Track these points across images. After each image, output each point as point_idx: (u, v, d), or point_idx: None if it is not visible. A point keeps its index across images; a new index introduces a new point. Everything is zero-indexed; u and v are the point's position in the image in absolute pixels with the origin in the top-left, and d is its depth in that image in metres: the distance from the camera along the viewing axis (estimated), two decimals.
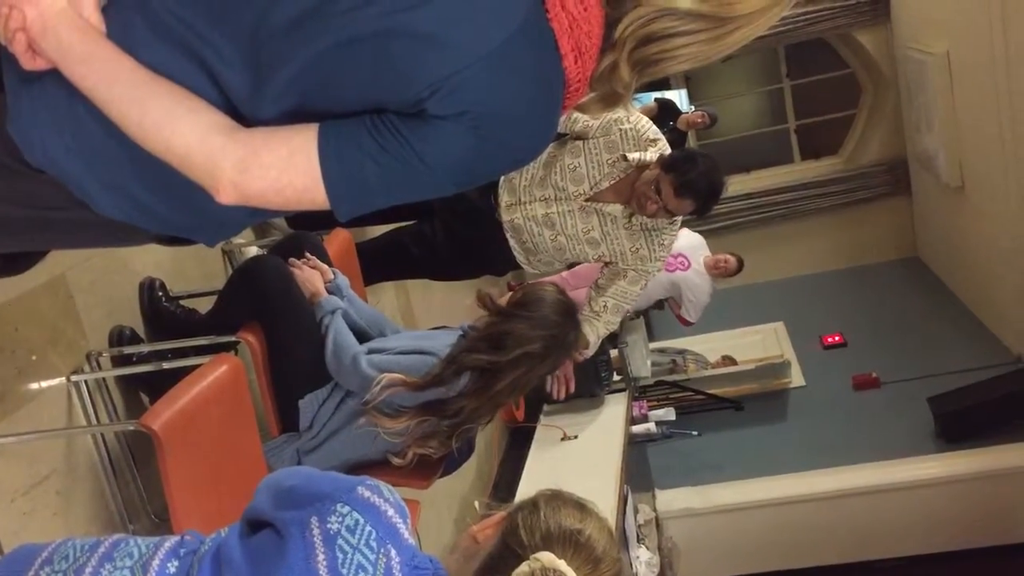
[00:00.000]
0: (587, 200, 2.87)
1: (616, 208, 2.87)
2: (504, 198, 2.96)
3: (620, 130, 2.90)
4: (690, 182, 2.75)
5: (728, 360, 6.77)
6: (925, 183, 7.53)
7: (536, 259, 3.05)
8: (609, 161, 2.88)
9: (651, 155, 2.88)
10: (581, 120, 2.89)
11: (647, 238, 2.91)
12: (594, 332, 2.98)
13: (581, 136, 2.92)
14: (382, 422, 2.15)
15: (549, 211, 2.91)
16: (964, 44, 6.10)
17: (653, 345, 6.59)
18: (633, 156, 2.86)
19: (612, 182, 2.88)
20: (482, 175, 1.13)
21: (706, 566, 5.58)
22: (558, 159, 2.92)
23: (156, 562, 1.16)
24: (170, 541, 1.21)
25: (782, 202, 8.01)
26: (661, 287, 5.07)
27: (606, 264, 3.00)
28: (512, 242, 3.00)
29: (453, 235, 3.04)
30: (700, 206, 2.84)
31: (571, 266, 4.58)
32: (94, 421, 2.35)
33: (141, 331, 2.56)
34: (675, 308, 5.28)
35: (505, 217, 2.96)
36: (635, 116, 2.96)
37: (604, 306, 2.98)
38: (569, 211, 2.89)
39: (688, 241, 4.98)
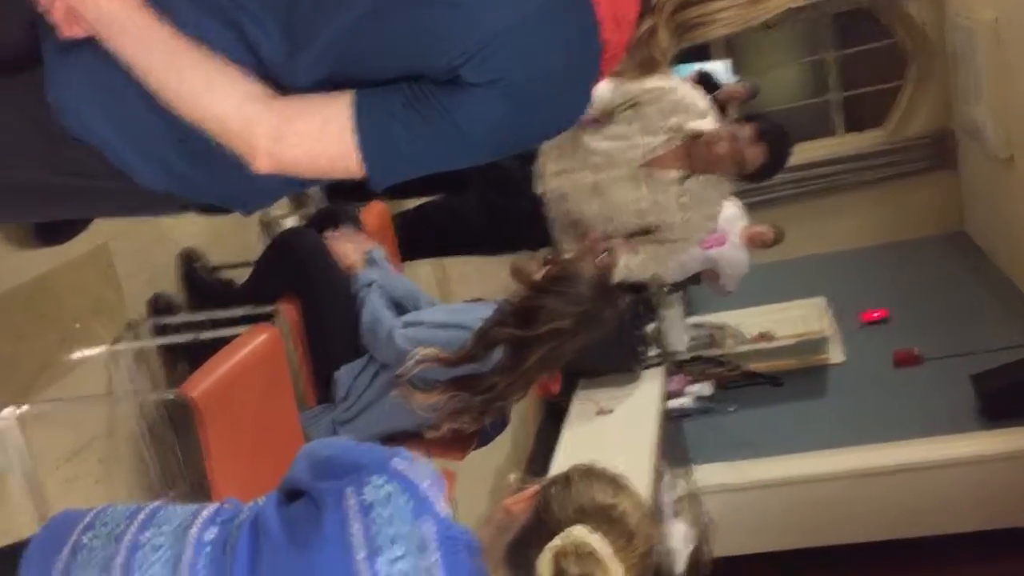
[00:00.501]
0: (640, 166, 2.85)
1: (670, 174, 2.84)
2: (550, 167, 2.94)
3: (673, 100, 2.89)
4: (769, 130, 2.84)
5: (766, 335, 6.71)
6: (972, 155, 7.37)
7: (577, 233, 3.01)
8: (664, 128, 2.86)
9: (706, 125, 2.87)
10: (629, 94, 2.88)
11: (696, 209, 2.89)
12: (623, 258, 2.92)
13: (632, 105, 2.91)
14: (414, 396, 2.15)
15: (598, 178, 2.88)
16: (1014, 11, 5.94)
17: (691, 320, 6.54)
18: (691, 125, 2.85)
19: (666, 150, 2.85)
20: (517, 143, 1.12)
21: (741, 541, 5.55)
22: (608, 126, 2.90)
23: (195, 529, 1.17)
24: (208, 509, 1.22)
25: (824, 175, 7.88)
26: (697, 262, 5.01)
27: (648, 231, 2.97)
28: (554, 213, 2.97)
29: (488, 208, 3.02)
30: (770, 160, 2.85)
31: None
32: (135, 389, 2.38)
33: (180, 298, 2.58)
34: (713, 279, 5.22)
35: (552, 184, 2.93)
36: (688, 87, 2.98)
37: (636, 251, 2.95)
38: (619, 178, 2.86)
39: (726, 212, 4.89)
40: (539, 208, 2.97)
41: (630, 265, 2.94)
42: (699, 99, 2.93)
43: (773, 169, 2.91)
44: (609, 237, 2.84)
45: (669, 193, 2.85)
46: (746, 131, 2.81)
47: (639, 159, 2.85)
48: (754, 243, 5.03)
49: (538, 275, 2.23)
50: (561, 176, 2.92)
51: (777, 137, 2.87)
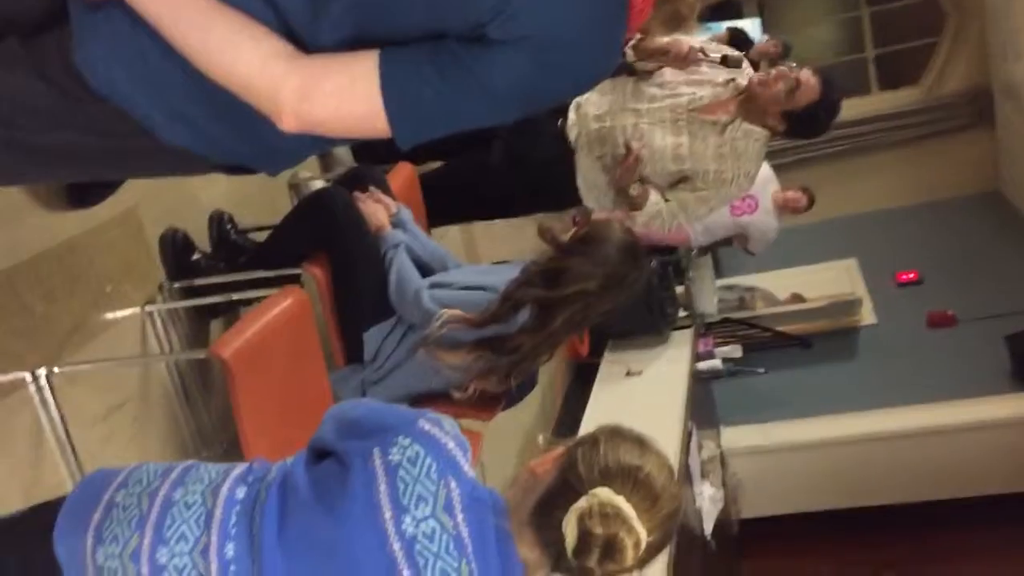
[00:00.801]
0: (689, 111, 2.86)
1: (713, 119, 2.86)
2: (591, 110, 2.93)
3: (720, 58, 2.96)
4: (829, 75, 2.87)
5: (797, 297, 6.66)
6: (1010, 114, 7.22)
7: (607, 181, 2.98)
8: (711, 82, 2.89)
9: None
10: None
11: (733, 162, 2.88)
12: (654, 195, 2.93)
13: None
14: (441, 356, 2.16)
15: (640, 122, 2.88)
16: None
17: (721, 282, 6.51)
18: (739, 80, 2.88)
19: (712, 101, 2.87)
20: (543, 100, 1.11)
21: (770, 503, 5.57)
22: (655, 77, 2.92)
23: (225, 488, 1.19)
24: (239, 468, 1.24)
25: (858, 134, 7.76)
26: (726, 228, 4.97)
27: (683, 179, 2.96)
28: (586, 158, 2.94)
29: (515, 161, 2.99)
30: (822, 100, 2.84)
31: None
32: (167, 350, 2.41)
33: (195, 239, 2.58)
34: (742, 243, 5.19)
35: (592, 127, 2.92)
36: (729, 49, 3.02)
37: (664, 199, 2.94)
38: (660, 121, 2.87)
39: (759, 176, 4.82)
40: (568, 163, 2.95)
41: (660, 207, 2.92)
42: (744, 60, 2.96)
43: (825, 116, 2.90)
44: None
45: (709, 142, 2.85)
46: (805, 67, 2.83)
47: (684, 106, 2.86)
48: (787, 209, 4.97)
49: (565, 236, 2.21)
50: (602, 119, 2.92)
51: (834, 84, 2.88)
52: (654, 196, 2.89)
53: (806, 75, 2.82)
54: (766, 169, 5.07)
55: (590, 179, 2.98)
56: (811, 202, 5.01)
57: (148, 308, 2.37)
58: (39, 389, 1.96)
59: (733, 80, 2.89)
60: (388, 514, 1.10)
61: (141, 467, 1.25)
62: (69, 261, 2.16)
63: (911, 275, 6.70)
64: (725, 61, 2.90)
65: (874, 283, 6.74)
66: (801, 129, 2.94)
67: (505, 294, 2.15)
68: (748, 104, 2.86)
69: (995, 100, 7.52)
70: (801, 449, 5.50)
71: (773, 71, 2.82)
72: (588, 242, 2.15)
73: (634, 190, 2.83)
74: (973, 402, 5.35)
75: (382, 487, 1.11)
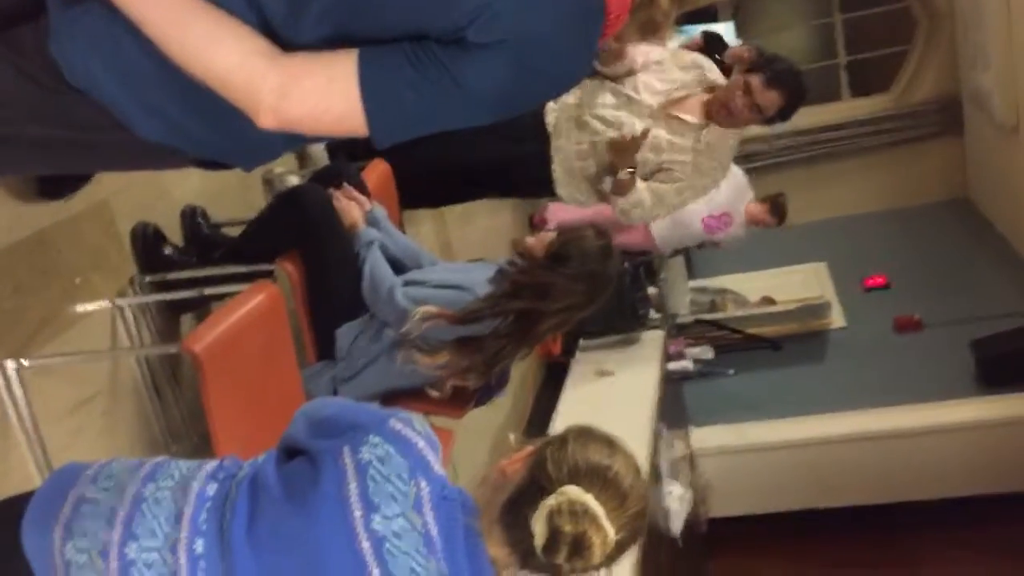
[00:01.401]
0: (661, 107, 2.91)
1: (689, 119, 2.92)
2: (570, 99, 2.96)
3: (691, 59, 3.06)
4: (780, 74, 2.87)
5: (768, 300, 6.71)
6: (978, 122, 7.31)
7: (582, 167, 2.98)
8: (683, 81, 2.96)
9: (720, 78, 2.99)
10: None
11: (708, 157, 2.93)
12: (640, 182, 2.93)
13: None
14: (420, 359, 2.17)
15: (619, 113, 2.92)
16: None
17: (693, 284, 6.55)
18: (711, 76, 2.96)
19: (685, 96, 2.94)
20: (520, 104, 1.12)
21: (738, 503, 5.61)
22: (627, 83, 2.97)
23: (196, 484, 1.19)
24: (209, 465, 1.24)
25: (829, 140, 7.83)
26: (697, 240, 5.00)
27: (659, 171, 2.99)
28: (567, 144, 2.95)
29: (492, 149, 2.97)
30: (788, 100, 2.89)
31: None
32: (138, 344, 2.40)
33: (167, 233, 2.56)
34: (712, 245, 5.22)
35: (572, 114, 2.95)
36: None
37: (645, 188, 2.96)
38: (640, 114, 2.92)
39: (734, 186, 4.81)
40: (544, 151, 2.96)
41: (644, 195, 2.93)
42: (709, 62, 3.05)
43: (790, 110, 2.95)
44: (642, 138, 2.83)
45: (686, 136, 2.91)
46: (755, 81, 2.85)
47: (661, 103, 2.93)
48: (757, 224, 5.00)
49: (538, 244, 2.24)
50: (582, 107, 2.95)
51: (789, 78, 2.90)
52: (640, 183, 2.92)
53: (760, 89, 2.85)
54: (742, 178, 5.10)
55: (567, 166, 2.99)
56: (783, 219, 5.03)
57: (119, 302, 2.35)
58: (7, 382, 1.95)
59: (702, 80, 2.96)
60: (358, 512, 1.10)
61: (112, 462, 1.25)
62: (39, 253, 2.14)
63: (879, 280, 6.78)
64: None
65: (843, 287, 6.80)
66: (776, 121, 3.02)
67: (492, 301, 2.17)
68: (720, 120, 2.93)
69: (964, 108, 7.62)
70: (770, 450, 5.54)
71: (731, 104, 2.86)
72: (566, 260, 2.18)
73: (624, 174, 2.84)
74: (939, 405, 5.41)
75: (352, 485, 1.11)
